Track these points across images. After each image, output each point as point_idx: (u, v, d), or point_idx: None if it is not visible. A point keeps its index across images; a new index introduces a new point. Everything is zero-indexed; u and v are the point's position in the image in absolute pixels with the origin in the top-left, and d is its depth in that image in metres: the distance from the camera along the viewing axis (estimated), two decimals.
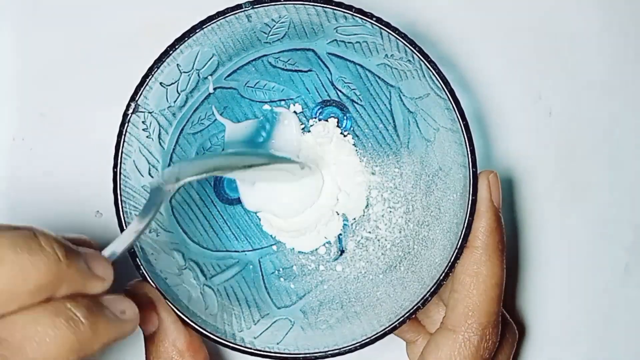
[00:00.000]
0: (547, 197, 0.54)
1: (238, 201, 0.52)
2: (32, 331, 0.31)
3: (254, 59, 0.49)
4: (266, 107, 0.51)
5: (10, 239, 0.32)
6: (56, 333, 0.32)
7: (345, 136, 0.51)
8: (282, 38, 0.47)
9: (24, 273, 0.31)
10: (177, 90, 0.46)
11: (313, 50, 0.49)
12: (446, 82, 0.44)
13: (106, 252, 0.37)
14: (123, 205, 0.44)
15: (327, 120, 0.51)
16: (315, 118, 0.51)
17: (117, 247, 0.37)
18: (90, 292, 0.35)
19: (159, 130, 0.47)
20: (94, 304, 0.34)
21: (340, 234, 0.52)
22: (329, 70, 0.50)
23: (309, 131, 0.51)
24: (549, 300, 0.54)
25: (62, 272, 0.33)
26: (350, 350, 0.45)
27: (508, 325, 0.49)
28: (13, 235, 0.32)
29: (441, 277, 0.44)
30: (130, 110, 0.44)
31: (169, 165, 0.48)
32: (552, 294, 0.54)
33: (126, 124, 0.44)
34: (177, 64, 0.45)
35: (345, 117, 0.51)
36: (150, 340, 0.45)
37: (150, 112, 0.45)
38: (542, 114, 0.54)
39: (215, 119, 0.50)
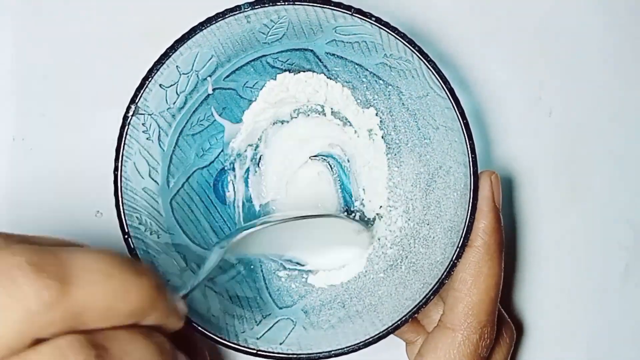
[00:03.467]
0: (547, 197, 0.54)
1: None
2: (131, 348, 0.31)
3: (253, 60, 0.49)
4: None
5: (117, 257, 0.31)
6: (150, 356, 0.32)
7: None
8: (280, 38, 0.47)
9: (127, 292, 0.31)
10: (177, 92, 0.46)
11: (312, 51, 0.49)
12: (446, 81, 0.44)
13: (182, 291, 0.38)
14: (124, 207, 0.44)
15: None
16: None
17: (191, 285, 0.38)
18: (169, 328, 0.34)
19: (159, 131, 0.47)
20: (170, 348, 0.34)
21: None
22: (328, 70, 0.50)
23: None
24: (548, 300, 0.54)
25: (156, 300, 0.32)
26: (354, 350, 0.45)
27: (506, 324, 0.49)
28: (118, 254, 0.32)
29: (443, 276, 0.44)
30: (131, 113, 0.44)
31: (169, 166, 0.48)
32: (551, 293, 0.54)
33: (126, 127, 0.44)
34: (177, 66, 0.45)
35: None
36: None
37: (150, 114, 0.45)
38: (542, 114, 0.54)
39: (215, 120, 0.50)
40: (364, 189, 0.52)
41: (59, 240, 0.33)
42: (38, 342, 0.29)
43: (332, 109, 0.51)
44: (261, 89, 0.50)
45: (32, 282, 0.28)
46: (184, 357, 0.36)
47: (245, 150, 0.52)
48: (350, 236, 0.50)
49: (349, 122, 0.52)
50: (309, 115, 0.52)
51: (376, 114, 0.51)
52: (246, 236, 0.44)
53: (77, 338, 0.29)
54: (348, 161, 0.52)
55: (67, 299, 0.29)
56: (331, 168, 0.52)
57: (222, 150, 0.51)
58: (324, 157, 0.52)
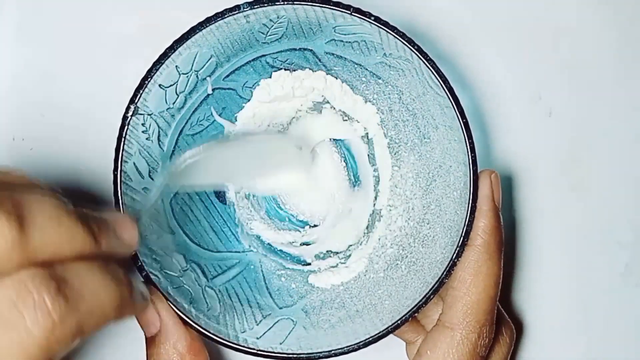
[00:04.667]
0: (547, 197, 0.54)
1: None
2: (88, 279, 0.32)
3: (252, 60, 0.49)
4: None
5: (63, 205, 0.33)
6: (107, 286, 0.33)
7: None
8: (280, 38, 0.47)
9: (74, 237, 0.33)
10: (176, 92, 0.46)
11: (311, 50, 0.49)
12: (445, 80, 0.44)
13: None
14: (124, 207, 0.44)
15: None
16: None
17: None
18: (121, 254, 0.36)
19: (159, 132, 0.47)
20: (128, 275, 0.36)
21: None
22: (327, 70, 0.50)
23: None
24: (547, 300, 0.54)
25: (100, 239, 0.34)
26: (354, 349, 0.45)
27: (506, 324, 0.49)
28: (63, 203, 0.33)
29: (443, 275, 0.44)
30: (130, 113, 0.44)
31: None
32: (551, 293, 0.54)
33: (126, 127, 0.44)
34: (176, 66, 0.45)
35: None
36: (151, 342, 0.45)
37: (149, 114, 0.45)
38: (542, 114, 0.54)
39: (214, 120, 0.50)
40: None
41: (15, 176, 0.35)
42: None
43: (331, 105, 0.51)
44: (253, 89, 0.50)
45: None
46: (144, 286, 0.39)
47: None
48: (293, 154, 0.50)
49: (349, 117, 0.52)
50: (307, 112, 0.52)
51: (376, 112, 0.51)
52: (191, 165, 0.44)
53: (37, 271, 0.30)
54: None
55: (26, 238, 0.30)
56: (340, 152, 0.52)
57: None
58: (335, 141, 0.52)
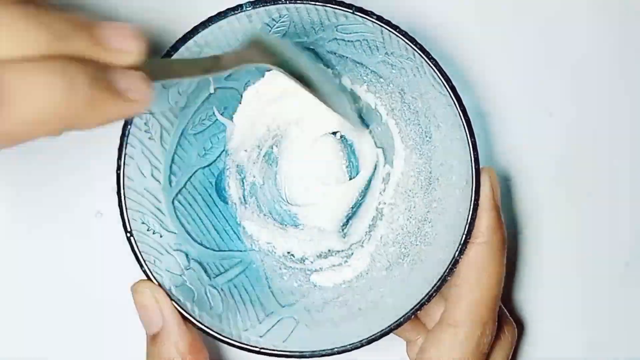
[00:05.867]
0: (547, 197, 0.54)
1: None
2: (26, 81, 0.29)
3: None
4: None
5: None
6: (49, 90, 0.29)
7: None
8: (282, 37, 0.47)
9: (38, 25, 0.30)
10: (179, 92, 0.46)
11: (313, 49, 0.49)
12: (447, 79, 0.44)
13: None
14: (126, 206, 0.44)
15: None
16: None
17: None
18: (103, 61, 0.32)
19: (161, 131, 0.47)
20: (100, 74, 0.31)
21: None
22: (329, 69, 0.50)
23: None
24: (548, 299, 0.54)
25: (72, 29, 0.31)
26: (356, 347, 0.45)
27: (508, 323, 0.49)
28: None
29: (445, 274, 0.44)
30: None
31: (171, 165, 0.48)
32: (552, 292, 0.54)
33: (128, 126, 0.44)
34: None
35: None
36: (152, 340, 0.45)
37: (152, 114, 0.45)
38: (542, 114, 0.54)
39: (216, 119, 0.50)
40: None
41: None
42: None
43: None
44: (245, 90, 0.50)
45: None
46: (140, 79, 0.33)
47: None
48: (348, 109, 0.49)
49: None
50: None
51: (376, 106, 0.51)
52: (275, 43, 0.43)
53: None
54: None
55: None
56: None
57: (224, 150, 0.51)
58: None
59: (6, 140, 0.30)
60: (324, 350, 0.45)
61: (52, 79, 0.29)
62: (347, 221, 0.53)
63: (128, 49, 0.33)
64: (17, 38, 0.29)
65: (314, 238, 0.52)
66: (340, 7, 0.43)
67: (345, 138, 0.52)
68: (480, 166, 0.44)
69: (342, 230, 0.53)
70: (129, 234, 0.44)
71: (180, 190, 0.49)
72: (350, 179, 0.52)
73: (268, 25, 0.46)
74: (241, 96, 0.50)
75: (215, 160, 0.51)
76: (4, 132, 0.29)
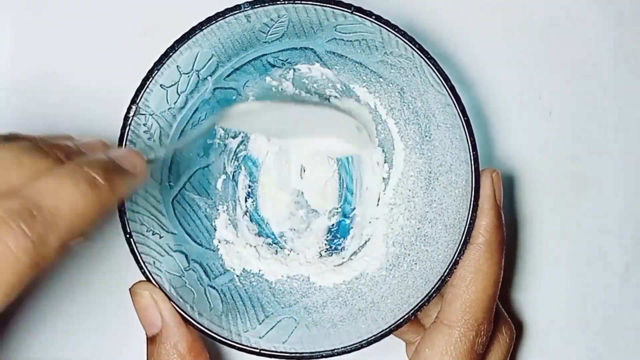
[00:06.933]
0: (547, 197, 0.54)
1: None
2: (59, 193, 0.34)
3: (253, 59, 0.49)
4: None
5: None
6: (80, 193, 0.35)
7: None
8: (281, 37, 0.47)
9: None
10: (177, 92, 0.46)
11: (312, 49, 0.49)
12: (446, 79, 0.44)
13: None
14: (126, 207, 0.44)
15: None
16: None
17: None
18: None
19: (160, 131, 0.46)
20: (109, 164, 0.37)
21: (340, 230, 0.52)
22: (328, 69, 0.50)
23: None
24: (547, 299, 0.54)
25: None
26: (356, 348, 0.45)
27: (506, 323, 0.49)
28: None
29: (445, 274, 0.44)
30: (132, 113, 0.44)
31: (170, 166, 0.48)
32: (551, 293, 0.54)
33: (127, 127, 0.44)
34: (177, 66, 0.45)
35: None
36: (152, 341, 0.45)
37: (151, 114, 0.45)
38: (542, 114, 0.54)
39: None
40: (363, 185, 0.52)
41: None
42: None
43: (329, 99, 0.51)
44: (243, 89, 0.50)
45: None
46: (137, 158, 0.40)
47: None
48: (351, 132, 0.50)
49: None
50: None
51: (375, 106, 0.51)
52: (245, 112, 0.47)
53: (9, 203, 0.33)
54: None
55: None
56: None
57: (223, 150, 0.51)
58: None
59: (61, 243, 0.34)
60: (323, 351, 0.45)
61: (75, 184, 0.35)
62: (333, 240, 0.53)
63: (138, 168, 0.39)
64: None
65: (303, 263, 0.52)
66: (339, 7, 0.43)
67: (342, 162, 0.53)
68: (481, 167, 0.44)
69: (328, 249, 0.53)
70: (128, 235, 0.44)
71: (179, 191, 0.49)
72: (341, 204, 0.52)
73: (267, 25, 0.46)
74: (240, 95, 0.50)
75: (214, 161, 0.51)
76: (55, 239, 0.34)
